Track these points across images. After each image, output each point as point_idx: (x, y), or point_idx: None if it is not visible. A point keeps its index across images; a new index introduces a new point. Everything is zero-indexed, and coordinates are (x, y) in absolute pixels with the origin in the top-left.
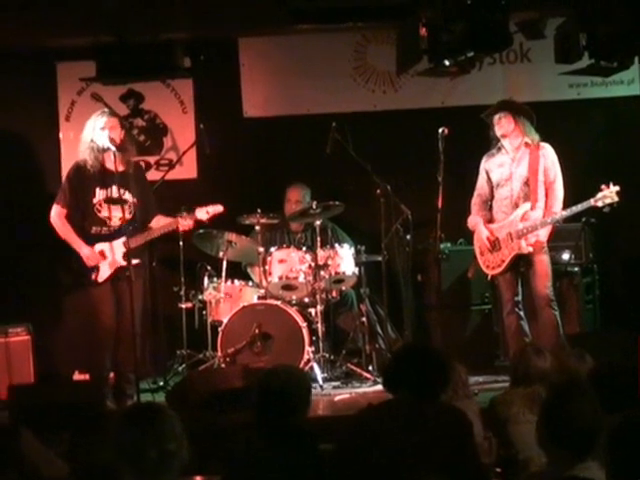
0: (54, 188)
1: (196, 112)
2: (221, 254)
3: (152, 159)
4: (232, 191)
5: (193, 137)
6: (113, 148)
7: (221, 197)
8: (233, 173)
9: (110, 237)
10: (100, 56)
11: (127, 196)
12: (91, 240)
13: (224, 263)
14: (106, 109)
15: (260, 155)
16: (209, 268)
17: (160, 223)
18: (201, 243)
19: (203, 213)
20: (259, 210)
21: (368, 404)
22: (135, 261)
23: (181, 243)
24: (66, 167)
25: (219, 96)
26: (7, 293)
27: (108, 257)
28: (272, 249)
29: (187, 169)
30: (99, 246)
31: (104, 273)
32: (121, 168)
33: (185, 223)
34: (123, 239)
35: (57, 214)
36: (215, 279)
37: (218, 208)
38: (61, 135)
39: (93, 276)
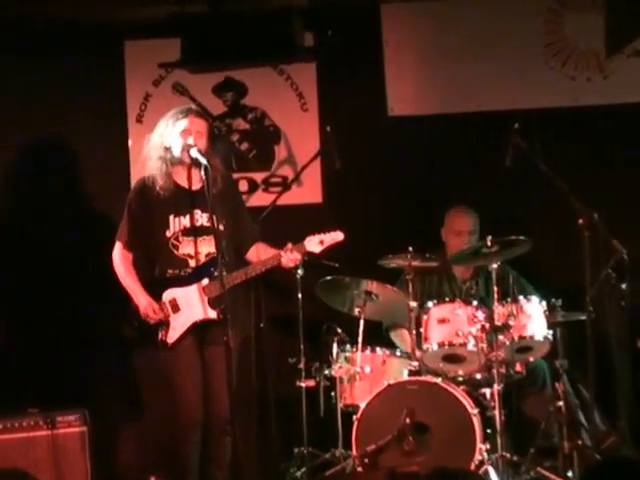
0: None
1: (321, 110)
2: (357, 311)
3: (259, 176)
4: (371, 221)
5: (317, 145)
6: (204, 161)
7: (355, 229)
8: (373, 196)
9: (189, 279)
10: (186, 32)
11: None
12: (169, 286)
13: (361, 323)
14: (192, 106)
15: (411, 170)
16: (339, 331)
17: (262, 255)
18: (328, 295)
19: (315, 244)
20: (410, 248)
21: None
22: (212, 314)
23: (300, 295)
24: None
25: (354, 87)
26: (56, 368)
27: (181, 308)
28: (429, 304)
29: (308, 190)
30: (170, 293)
31: (175, 332)
32: (198, 185)
33: (290, 257)
34: (203, 282)
35: (118, 254)
36: (348, 346)
37: (337, 236)
38: (130, 142)
39: (160, 336)
